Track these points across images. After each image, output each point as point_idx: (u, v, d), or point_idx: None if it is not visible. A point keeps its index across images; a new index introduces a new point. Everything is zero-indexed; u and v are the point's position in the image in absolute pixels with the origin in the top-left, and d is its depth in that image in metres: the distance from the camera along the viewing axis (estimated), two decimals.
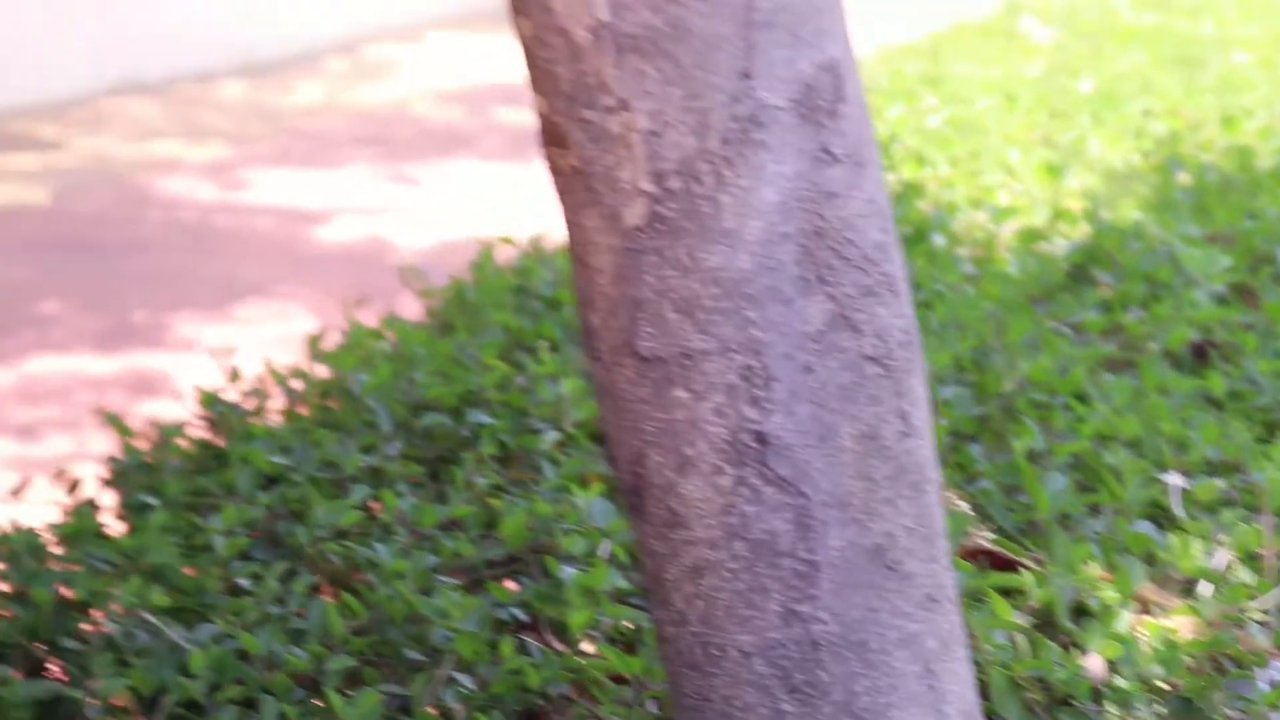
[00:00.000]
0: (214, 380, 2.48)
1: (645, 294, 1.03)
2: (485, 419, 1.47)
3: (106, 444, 4.22)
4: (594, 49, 1.01)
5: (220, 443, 1.48)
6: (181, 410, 4.38)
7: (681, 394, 1.03)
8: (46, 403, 4.43)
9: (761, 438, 1.04)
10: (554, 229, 3.13)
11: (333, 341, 1.58)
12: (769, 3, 1.02)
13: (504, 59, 8.94)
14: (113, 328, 4.98)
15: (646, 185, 1.00)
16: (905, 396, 1.07)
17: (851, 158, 1.05)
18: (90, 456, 4.16)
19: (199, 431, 1.52)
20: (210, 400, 1.52)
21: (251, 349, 4.88)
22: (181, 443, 1.45)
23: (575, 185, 1.05)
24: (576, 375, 1.57)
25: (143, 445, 1.45)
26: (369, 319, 5.04)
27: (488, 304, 1.82)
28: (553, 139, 1.05)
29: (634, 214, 1.01)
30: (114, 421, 1.43)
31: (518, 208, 6.27)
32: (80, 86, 7.36)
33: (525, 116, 7.81)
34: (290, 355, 4.86)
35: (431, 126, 7.55)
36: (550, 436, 1.45)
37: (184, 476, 1.41)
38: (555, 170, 1.05)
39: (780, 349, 1.02)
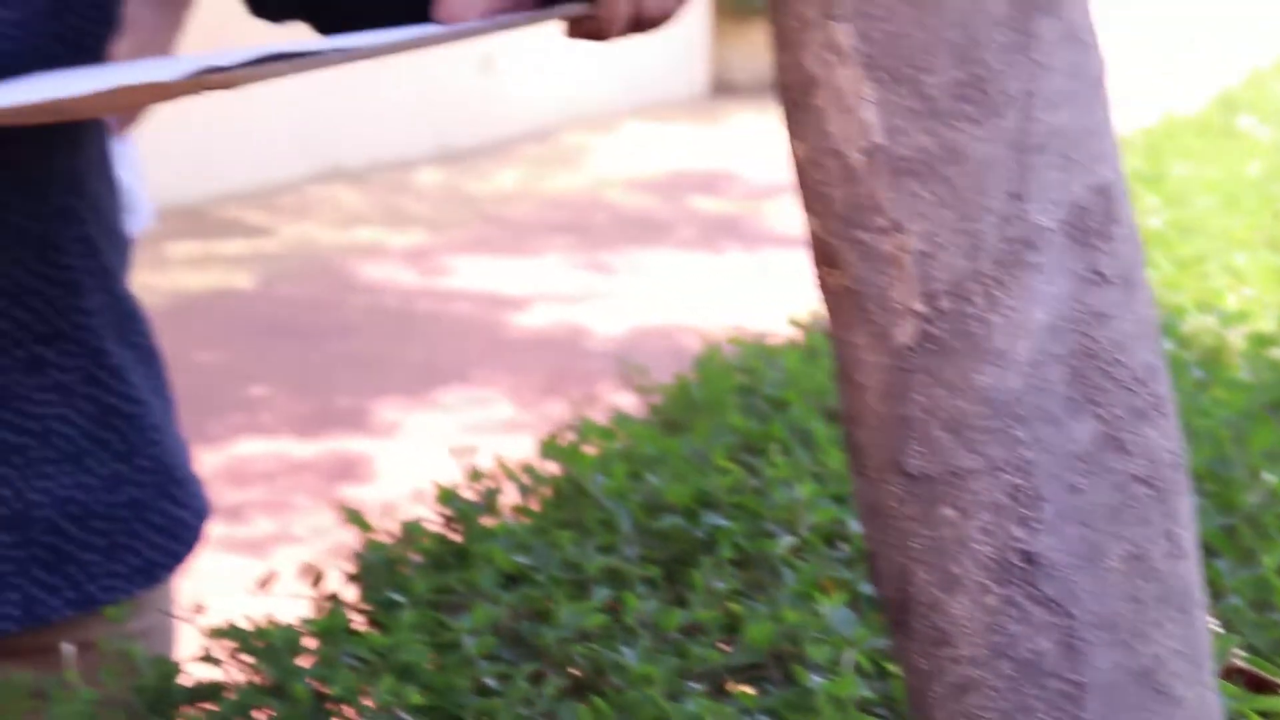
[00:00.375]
0: (419, 468, 2.51)
1: (914, 412, 1.04)
2: (721, 522, 1.48)
3: (309, 526, 4.31)
4: (869, 172, 1.02)
5: (458, 538, 1.51)
6: (379, 492, 4.46)
7: (949, 512, 1.03)
8: (253, 485, 4.53)
9: (1029, 557, 1.03)
10: (760, 323, 3.13)
11: (540, 431, 1.61)
12: (1043, 126, 1.03)
13: (698, 147, 9.01)
14: (317, 411, 5.09)
15: (918, 305, 1.01)
16: (1173, 518, 1.06)
17: (1122, 279, 1.05)
18: (295, 539, 4.24)
19: (435, 526, 1.55)
20: (448, 497, 1.55)
21: (453, 434, 4.95)
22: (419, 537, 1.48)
23: (845, 304, 1.06)
24: (809, 479, 1.58)
25: (384, 539, 1.49)
26: (571, 407, 5.06)
27: (714, 403, 1.83)
28: (824, 258, 1.06)
29: (904, 333, 1.02)
30: (355, 518, 1.47)
31: (711, 297, 6.31)
32: (287, 174, 7.55)
33: (719, 205, 7.86)
34: (492, 441, 4.92)
35: (626, 214, 7.62)
36: (786, 541, 1.46)
37: (427, 573, 1.44)
38: (825, 289, 1.06)
39: (1048, 469, 1.02)
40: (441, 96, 8.28)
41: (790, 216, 7.55)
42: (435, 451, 4.77)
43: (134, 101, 1.01)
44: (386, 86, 7.93)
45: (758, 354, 2.00)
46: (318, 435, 4.92)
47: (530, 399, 5.30)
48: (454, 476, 1.62)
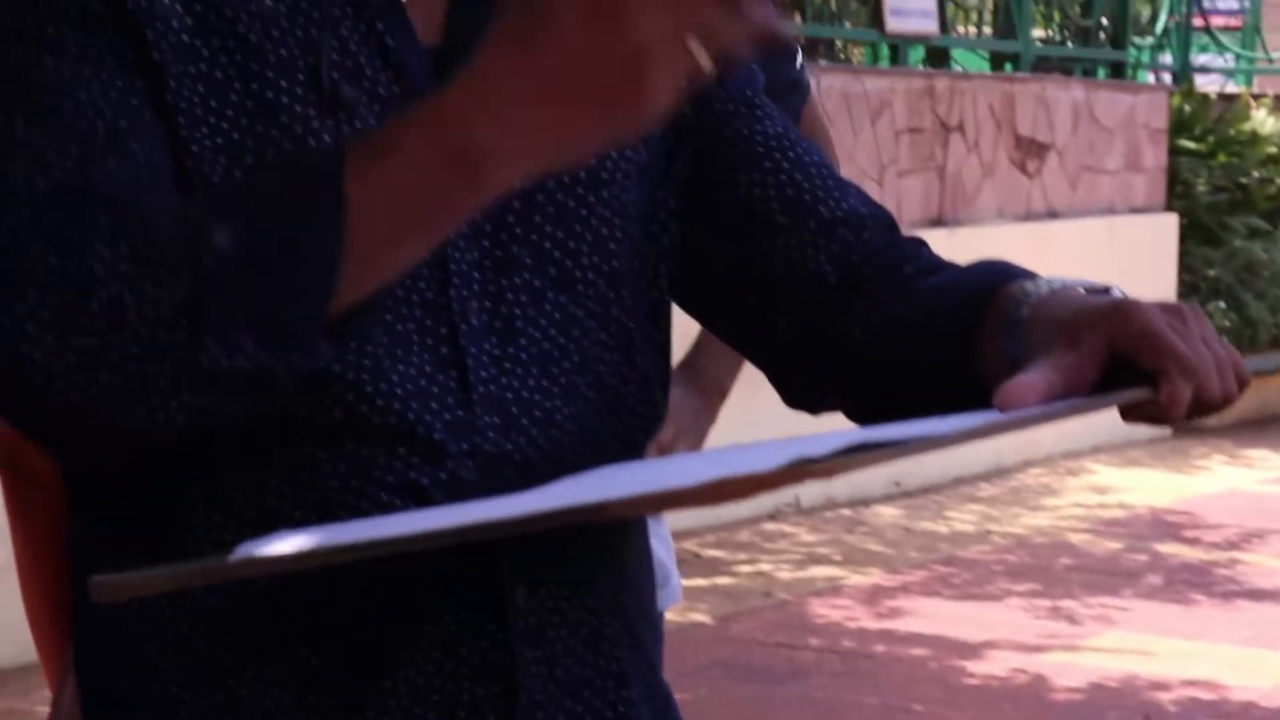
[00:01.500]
0: None
1: None
2: None
3: None
4: None
5: None
6: None
7: None
8: None
9: None
10: (1244, 687, 2.93)
11: None
12: None
13: (1164, 491, 8.76)
14: None
15: None
16: None
17: None
18: None
19: None
20: None
21: None
22: None
23: None
24: None
25: None
26: None
27: None
28: None
29: None
30: None
31: (1183, 652, 6.05)
32: (745, 510, 7.64)
33: (1188, 553, 7.59)
34: None
35: (1089, 559, 7.42)
36: None
37: None
38: None
39: None
40: None
41: (1266, 568, 7.22)
42: None
43: (734, 493, 1.02)
44: (841, 421, 7.99)
45: None
46: None
47: None
48: None
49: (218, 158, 1.20)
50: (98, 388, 1.10)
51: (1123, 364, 1.18)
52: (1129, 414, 1.20)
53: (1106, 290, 1.24)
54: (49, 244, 1.11)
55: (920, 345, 1.31)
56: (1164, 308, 1.18)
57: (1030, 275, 1.28)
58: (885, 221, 1.38)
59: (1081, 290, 1.24)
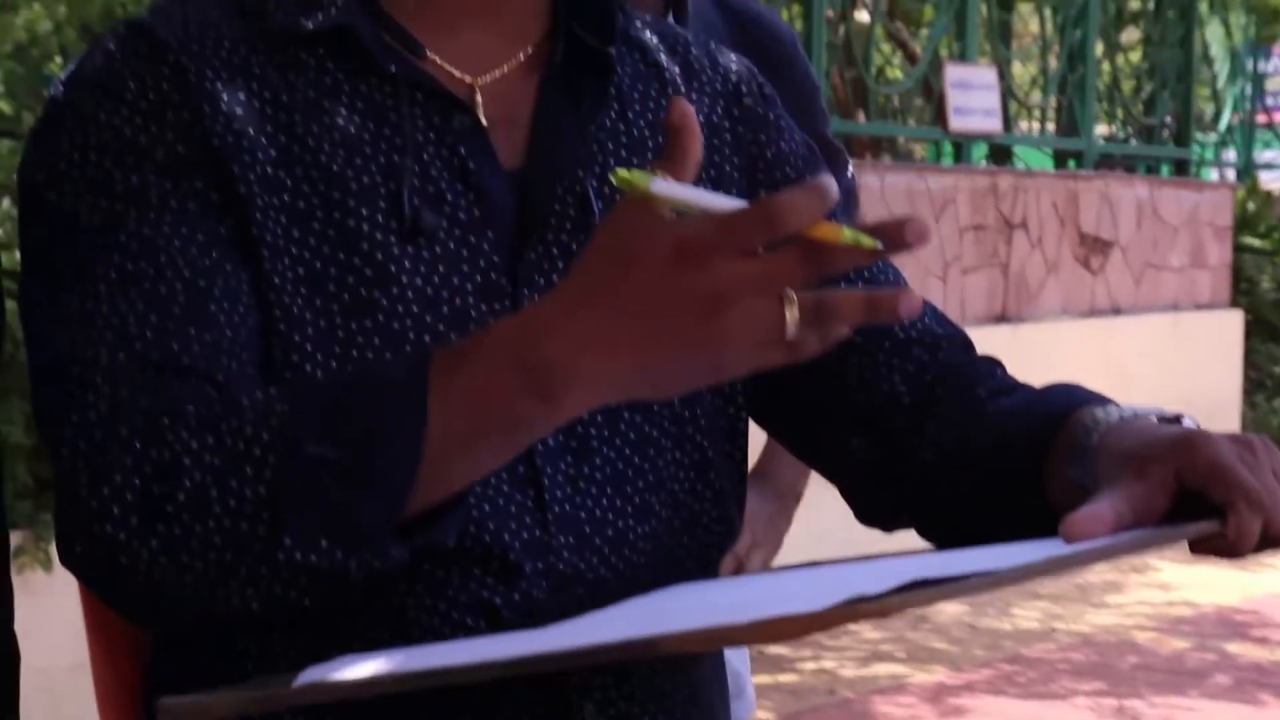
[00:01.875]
0: None
1: None
2: None
3: None
4: None
5: None
6: None
7: None
8: None
9: None
10: None
11: None
12: None
13: (1232, 589, 8.66)
14: None
15: None
16: None
17: None
18: None
19: None
20: None
21: None
22: None
23: None
24: None
25: None
26: None
27: None
28: None
29: None
30: None
31: None
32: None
33: (1256, 653, 7.49)
34: None
35: (1155, 659, 7.34)
36: None
37: None
38: None
39: None
40: None
41: None
42: None
43: (788, 633, 1.01)
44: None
45: None
46: None
47: None
48: None
49: (299, 289, 1.21)
50: (179, 571, 1.12)
51: (1192, 496, 1.17)
52: (1198, 547, 1.19)
53: (1178, 419, 1.24)
54: (134, 426, 1.13)
55: (991, 468, 1.31)
56: (1233, 439, 1.18)
57: (1103, 401, 1.28)
58: (960, 341, 1.38)
59: (1153, 419, 1.23)
